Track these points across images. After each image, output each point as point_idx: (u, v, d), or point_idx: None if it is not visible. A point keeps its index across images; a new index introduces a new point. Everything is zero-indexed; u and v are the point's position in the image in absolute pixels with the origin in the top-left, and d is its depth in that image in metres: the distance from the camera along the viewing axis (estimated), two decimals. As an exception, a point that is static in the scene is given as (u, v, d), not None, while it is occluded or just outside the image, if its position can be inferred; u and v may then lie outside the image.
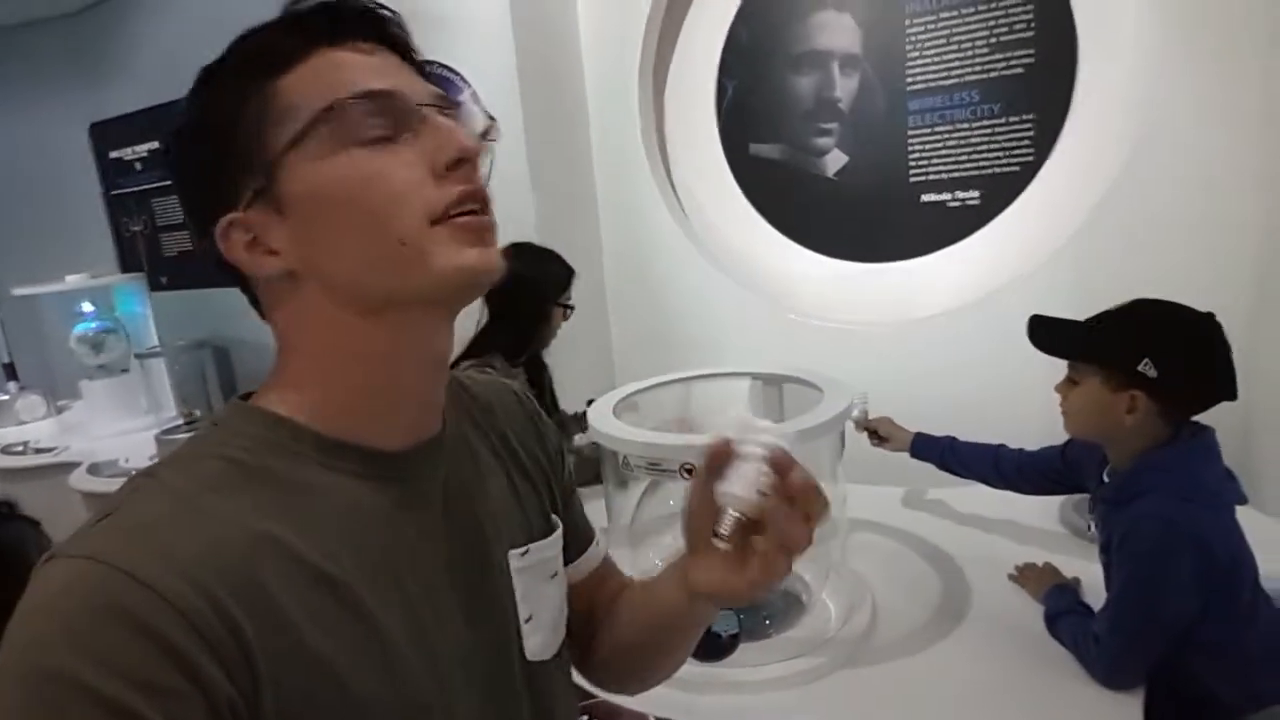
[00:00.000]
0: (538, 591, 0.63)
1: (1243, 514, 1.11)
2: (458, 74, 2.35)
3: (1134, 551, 1.08)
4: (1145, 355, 1.08)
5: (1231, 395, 1.10)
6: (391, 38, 0.53)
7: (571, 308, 1.87)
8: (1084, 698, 1.11)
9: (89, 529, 0.45)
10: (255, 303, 0.55)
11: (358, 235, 0.49)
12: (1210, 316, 1.10)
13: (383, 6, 0.54)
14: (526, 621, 0.61)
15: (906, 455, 1.61)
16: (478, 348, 1.83)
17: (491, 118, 0.62)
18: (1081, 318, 1.18)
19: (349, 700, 0.47)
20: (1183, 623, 1.07)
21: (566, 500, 0.72)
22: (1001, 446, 1.50)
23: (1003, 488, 1.49)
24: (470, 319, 1.77)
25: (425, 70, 0.55)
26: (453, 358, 1.82)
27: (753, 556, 0.54)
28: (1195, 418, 1.14)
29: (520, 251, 1.86)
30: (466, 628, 0.56)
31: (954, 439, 1.55)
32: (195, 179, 0.53)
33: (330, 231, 0.50)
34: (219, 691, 0.41)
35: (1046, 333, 1.20)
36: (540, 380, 1.95)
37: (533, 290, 1.82)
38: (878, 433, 1.65)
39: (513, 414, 0.69)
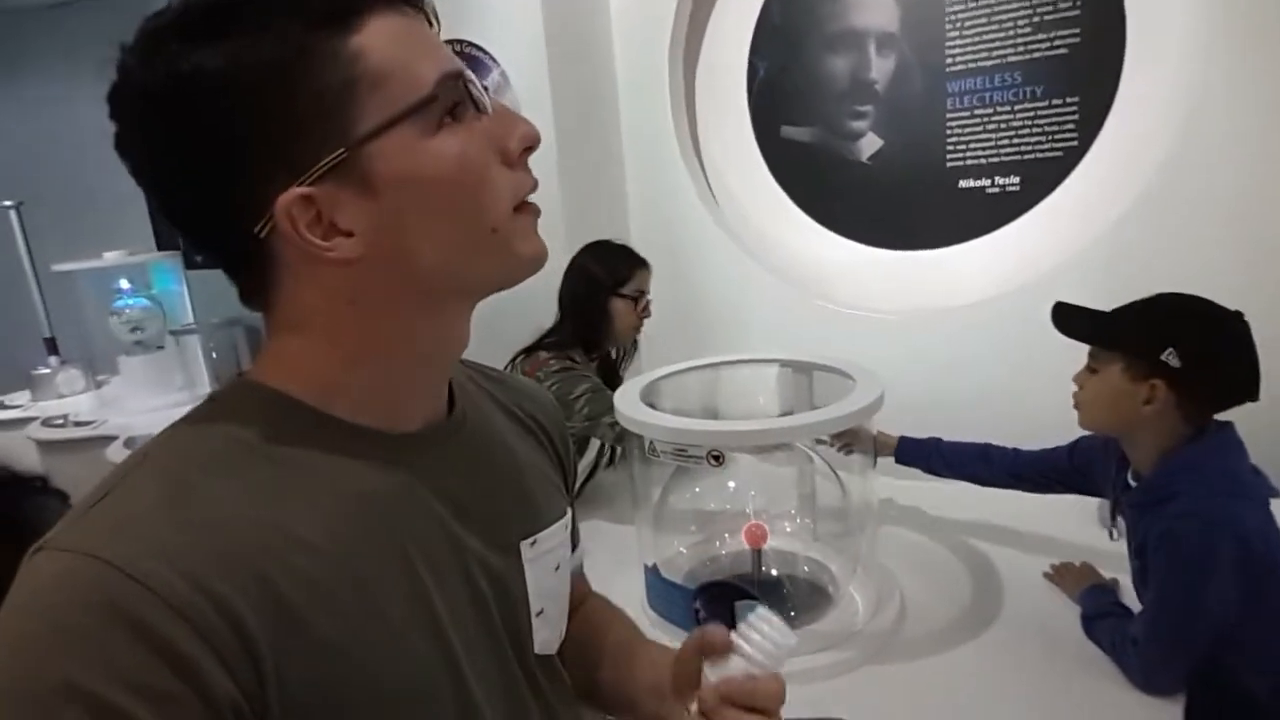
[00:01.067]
0: (546, 584, 0.62)
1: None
2: (487, 53, 2.34)
3: (1174, 552, 1.05)
4: (1170, 345, 1.06)
5: (1253, 396, 1.07)
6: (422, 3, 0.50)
7: (637, 299, 1.85)
8: (1123, 702, 1.08)
9: (79, 516, 0.43)
10: (243, 282, 0.51)
11: (453, 221, 0.48)
12: (1239, 315, 1.08)
13: None
14: (538, 615, 0.61)
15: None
16: (552, 338, 1.83)
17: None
18: None
19: (358, 690, 0.45)
20: (1224, 622, 1.03)
21: (570, 503, 0.72)
22: (989, 445, 1.46)
23: (995, 486, 1.45)
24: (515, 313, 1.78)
25: None
26: (522, 347, 1.86)
27: None
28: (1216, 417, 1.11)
29: (590, 247, 1.91)
30: (478, 616, 0.55)
31: (939, 440, 1.51)
32: (221, 144, 0.44)
33: (424, 216, 0.47)
34: (219, 691, 0.39)
35: (1070, 319, 1.17)
36: (611, 380, 1.95)
37: (590, 283, 1.85)
38: (851, 445, 1.49)
39: (532, 404, 0.69)
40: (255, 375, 0.51)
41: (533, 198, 0.52)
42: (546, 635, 0.62)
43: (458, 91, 0.48)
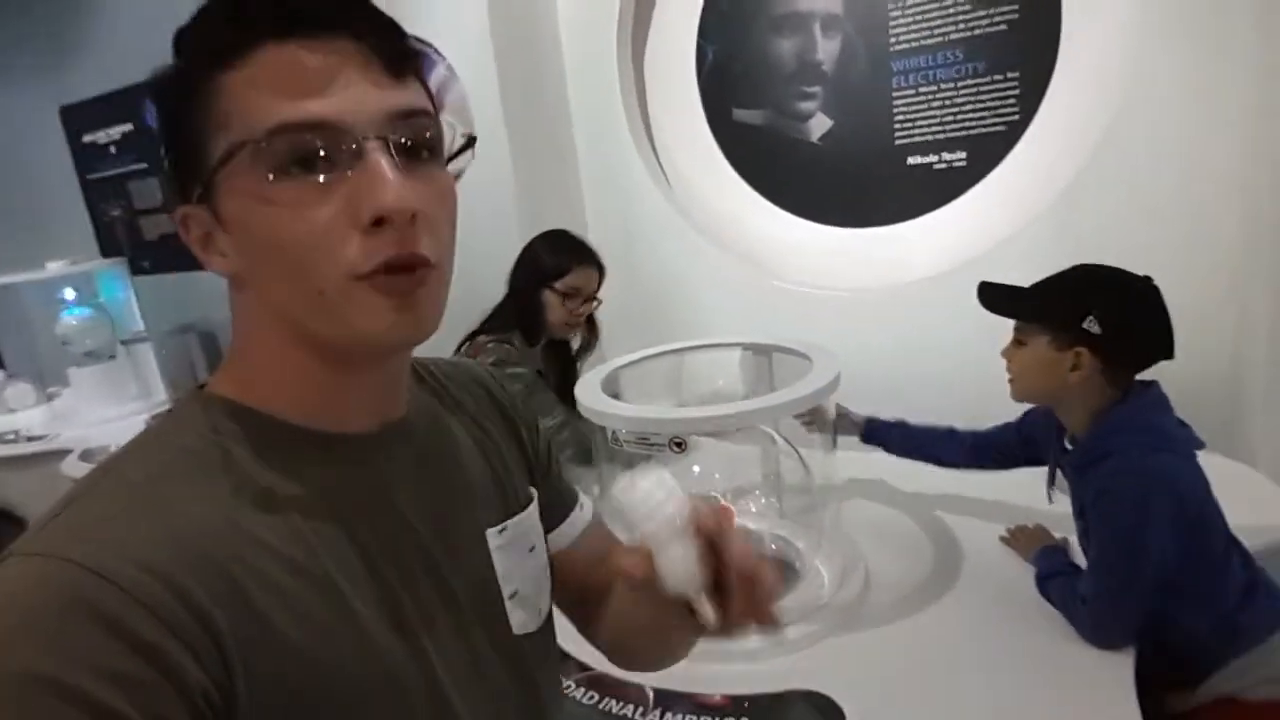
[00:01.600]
0: (518, 566, 0.63)
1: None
2: (432, 46, 2.31)
3: (1111, 509, 1.10)
4: (1089, 313, 1.12)
5: (1169, 354, 1.13)
6: (356, 25, 0.46)
7: (569, 295, 1.80)
8: (1077, 658, 1.12)
9: (44, 525, 0.44)
10: None
11: (281, 273, 0.47)
12: (1149, 280, 1.13)
13: None
14: (511, 598, 0.62)
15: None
16: (496, 321, 1.82)
17: (472, 137, 0.56)
18: None
19: (324, 685, 0.46)
20: (1165, 572, 1.08)
21: (545, 470, 0.72)
22: (953, 429, 1.51)
23: (959, 468, 1.50)
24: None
25: (401, 63, 0.48)
26: (471, 329, 1.82)
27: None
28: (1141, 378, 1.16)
29: (549, 233, 1.88)
30: (445, 608, 0.56)
31: (905, 422, 1.55)
32: (165, 158, 0.51)
33: (260, 263, 0.48)
34: (190, 680, 0.40)
35: (994, 297, 1.22)
36: (559, 369, 1.93)
37: (530, 268, 1.83)
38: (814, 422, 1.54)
39: (481, 391, 0.69)
40: (211, 385, 0.53)
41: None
42: (522, 616, 0.63)
43: (295, 143, 0.45)
